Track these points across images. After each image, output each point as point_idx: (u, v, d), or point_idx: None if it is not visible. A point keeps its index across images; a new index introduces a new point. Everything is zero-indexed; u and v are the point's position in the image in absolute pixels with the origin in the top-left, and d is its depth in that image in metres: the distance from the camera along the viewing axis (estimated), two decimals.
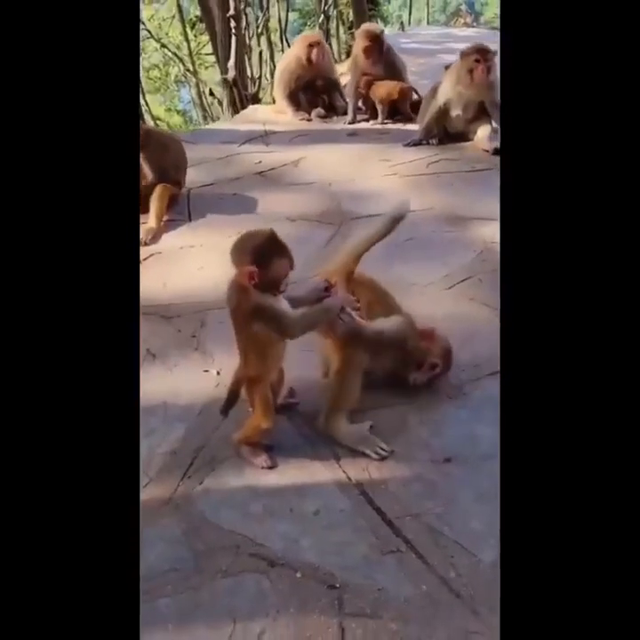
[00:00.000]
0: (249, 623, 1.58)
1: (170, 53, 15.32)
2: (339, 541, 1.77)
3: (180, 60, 15.81)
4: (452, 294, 2.85)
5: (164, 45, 14.48)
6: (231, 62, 6.18)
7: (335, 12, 12.08)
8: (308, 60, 5.09)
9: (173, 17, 16.30)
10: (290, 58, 5.33)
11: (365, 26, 5.29)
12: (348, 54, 7.77)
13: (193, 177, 4.05)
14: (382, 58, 4.94)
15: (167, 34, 15.64)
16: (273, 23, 11.73)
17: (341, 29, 13.58)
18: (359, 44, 4.97)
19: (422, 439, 2.10)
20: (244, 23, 7.72)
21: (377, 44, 4.91)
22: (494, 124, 4.38)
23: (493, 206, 3.53)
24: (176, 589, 1.67)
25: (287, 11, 12.22)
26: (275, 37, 11.81)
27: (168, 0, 15.26)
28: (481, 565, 1.69)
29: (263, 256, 1.79)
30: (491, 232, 3.32)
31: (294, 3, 15.67)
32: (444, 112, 4.41)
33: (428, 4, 16.08)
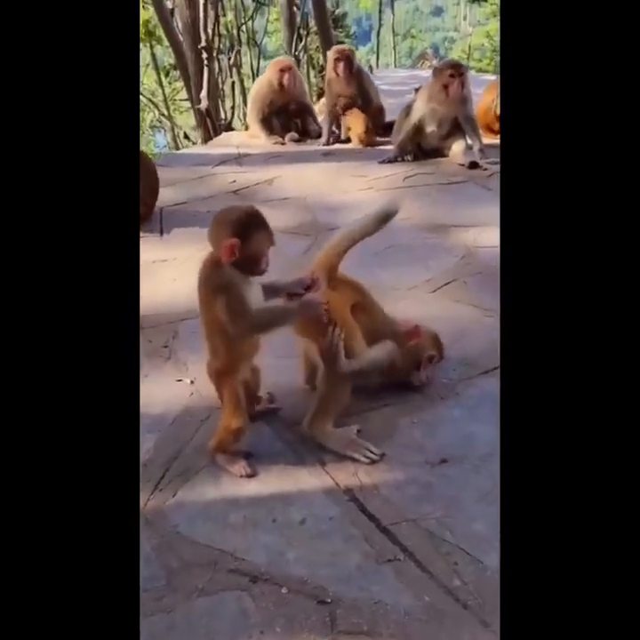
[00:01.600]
0: None
1: (145, 99, 15.65)
2: (329, 552, 1.62)
3: (155, 105, 16.14)
4: (436, 297, 2.79)
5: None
6: (203, 93, 6.22)
7: (305, 57, 12.47)
8: (280, 84, 5.13)
9: (148, 65, 16.75)
10: (262, 83, 5.37)
11: (335, 46, 5.39)
12: (319, 97, 7.92)
13: (166, 196, 3.99)
14: (354, 77, 4.96)
15: (142, 82, 16.03)
16: (245, 70, 12.05)
17: (311, 73, 14.02)
18: (330, 63, 5.00)
19: (415, 441, 1.97)
20: (217, 67, 7.86)
21: (346, 60, 4.91)
22: (468, 140, 4.40)
23: (472, 214, 3.53)
24: (146, 611, 1.48)
25: (259, 57, 12.62)
26: (248, 83, 12.14)
27: (143, 48, 15.71)
28: (488, 572, 1.55)
29: (244, 229, 1.71)
30: (472, 237, 3.30)
31: (266, 50, 16.21)
32: (418, 129, 4.44)
33: (394, 49, 16.80)
